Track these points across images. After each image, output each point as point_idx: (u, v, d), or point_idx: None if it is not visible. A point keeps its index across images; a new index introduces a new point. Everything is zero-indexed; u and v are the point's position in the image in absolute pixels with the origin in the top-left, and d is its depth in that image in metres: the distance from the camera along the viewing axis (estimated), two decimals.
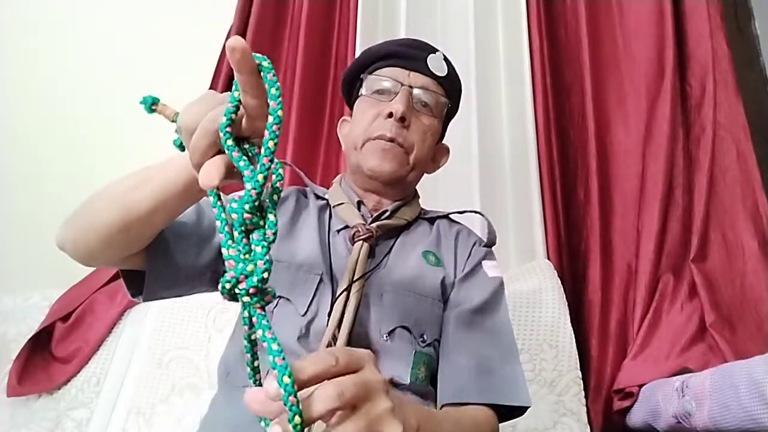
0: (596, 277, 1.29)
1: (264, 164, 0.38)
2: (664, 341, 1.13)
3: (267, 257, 0.38)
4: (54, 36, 1.65)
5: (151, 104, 0.48)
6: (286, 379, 0.34)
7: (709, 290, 1.15)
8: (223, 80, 1.49)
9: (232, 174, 0.42)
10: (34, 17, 1.67)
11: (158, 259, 0.67)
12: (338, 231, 0.82)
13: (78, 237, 0.62)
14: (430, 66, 0.85)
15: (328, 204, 0.87)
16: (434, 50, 0.88)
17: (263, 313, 0.38)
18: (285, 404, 0.34)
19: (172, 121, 0.47)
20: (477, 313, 0.78)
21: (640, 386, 1.09)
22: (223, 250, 0.39)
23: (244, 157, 0.40)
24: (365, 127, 0.83)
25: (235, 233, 0.39)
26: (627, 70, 1.44)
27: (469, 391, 0.71)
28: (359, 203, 0.85)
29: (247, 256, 0.38)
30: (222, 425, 0.69)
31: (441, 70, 0.86)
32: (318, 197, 0.89)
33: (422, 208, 0.92)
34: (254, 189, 0.38)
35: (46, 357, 1.20)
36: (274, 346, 0.35)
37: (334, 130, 1.50)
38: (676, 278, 1.21)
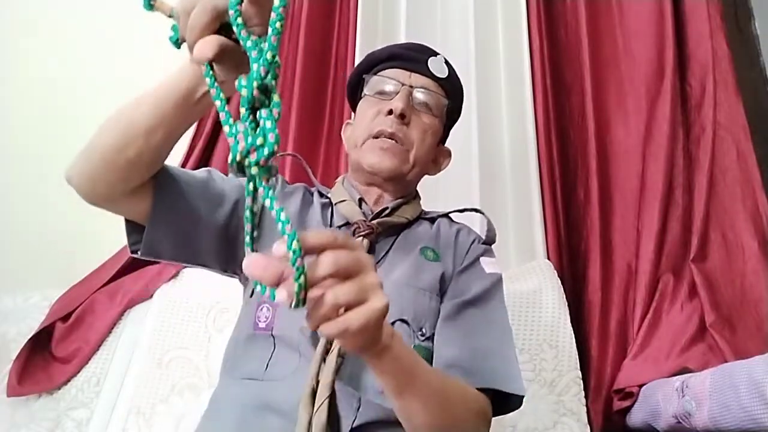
0: (596, 277, 1.29)
1: (272, 43, 0.40)
2: (664, 341, 1.13)
3: (276, 131, 0.39)
4: (55, 36, 1.65)
5: (150, 0, 0.49)
6: (295, 245, 0.38)
7: (709, 290, 1.15)
8: None
9: (223, 54, 0.44)
10: (34, 17, 1.67)
11: (163, 201, 0.68)
12: (339, 227, 0.83)
13: (82, 165, 0.64)
14: (430, 68, 0.87)
15: (330, 202, 0.88)
16: (435, 53, 0.90)
17: (269, 185, 0.40)
18: (293, 265, 0.38)
19: (170, 16, 0.48)
20: (470, 304, 0.78)
21: (640, 386, 1.08)
22: (226, 128, 0.41)
23: (252, 37, 0.41)
24: (366, 124, 0.85)
25: (242, 110, 0.40)
26: (627, 70, 1.44)
27: (460, 377, 0.70)
28: (360, 200, 0.86)
29: (254, 132, 0.39)
30: (223, 419, 0.70)
31: (441, 72, 0.88)
32: (321, 195, 0.90)
33: (423, 209, 0.93)
34: (263, 66, 0.40)
35: (46, 357, 1.20)
36: (283, 216, 0.39)
37: (333, 130, 1.50)
38: (676, 278, 1.21)
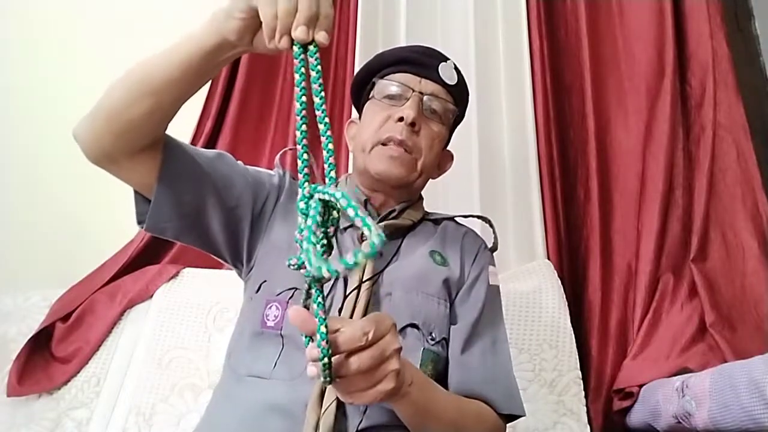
0: (596, 277, 1.29)
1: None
2: (664, 341, 1.13)
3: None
4: (55, 34, 1.65)
5: None
6: (326, 360, 0.47)
7: (709, 290, 1.15)
8: (222, 82, 1.50)
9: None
10: (36, 13, 1.67)
11: (167, 176, 0.70)
12: (344, 229, 0.83)
13: (89, 122, 0.66)
14: (441, 74, 0.86)
15: None
16: (446, 59, 0.89)
17: (320, 289, 0.49)
18: (321, 365, 0.47)
19: None
20: (481, 324, 0.80)
21: (640, 386, 1.08)
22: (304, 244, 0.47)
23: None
24: (375, 129, 0.84)
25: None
26: (627, 70, 1.44)
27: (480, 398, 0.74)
28: (366, 202, 0.86)
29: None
30: (227, 417, 0.70)
31: (451, 79, 0.88)
32: None
33: (426, 211, 0.93)
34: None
35: (46, 357, 1.20)
36: (323, 328, 0.47)
37: (333, 130, 1.46)
38: (676, 278, 1.21)
